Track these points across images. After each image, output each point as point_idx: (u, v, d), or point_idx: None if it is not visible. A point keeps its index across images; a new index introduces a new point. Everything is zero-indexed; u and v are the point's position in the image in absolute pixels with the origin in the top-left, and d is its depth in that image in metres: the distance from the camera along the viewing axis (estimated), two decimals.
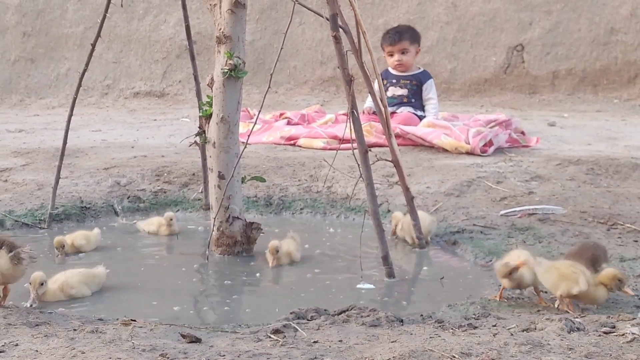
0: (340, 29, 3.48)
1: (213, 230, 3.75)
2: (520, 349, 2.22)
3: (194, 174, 4.85)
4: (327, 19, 3.40)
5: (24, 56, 9.03)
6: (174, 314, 2.98)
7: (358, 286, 3.34)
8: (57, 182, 4.24)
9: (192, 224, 4.42)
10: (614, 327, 2.44)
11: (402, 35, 6.19)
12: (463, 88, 8.47)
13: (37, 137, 6.40)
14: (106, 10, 4.01)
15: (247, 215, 4.41)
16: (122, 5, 4.01)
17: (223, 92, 3.71)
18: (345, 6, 3.68)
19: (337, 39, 3.35)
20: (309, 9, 3.79)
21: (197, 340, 2.40)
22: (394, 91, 6.27)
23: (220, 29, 3.70)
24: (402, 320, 2.62)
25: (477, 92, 8.44)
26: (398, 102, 6.26)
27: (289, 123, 6.29)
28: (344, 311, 2.68)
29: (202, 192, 4.57)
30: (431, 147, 5.54)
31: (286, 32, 3.39)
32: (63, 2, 9.11)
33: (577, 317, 2.55)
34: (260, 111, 3.90)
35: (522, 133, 5.98)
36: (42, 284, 2.99)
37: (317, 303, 2.84)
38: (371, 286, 3.34)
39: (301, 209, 4.64)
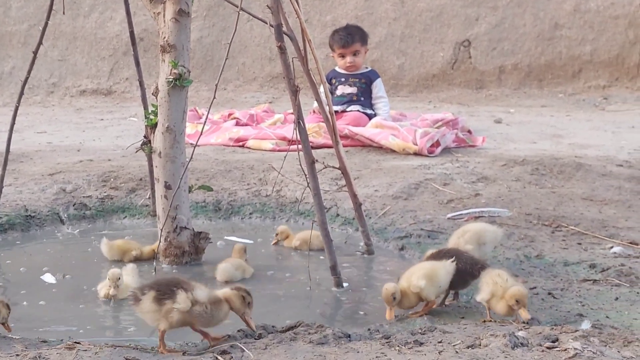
0: (286, 36, 3.46)
1: (160, 241, 3.72)
2: None
3: (141, 179, 4.80)
4: (272, 26, 3.38)
5: None
6: (122, 333, 2.95)
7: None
8: (0, 191, 4.16)
9: (140, 231, 4.37)
10: (557, 339, 2.48)
11: (354, 37, 6.23)
12: (411, 84, 8.51)
13: None
14: (48, 18, 3.94)
15: (195, 221, 4.38)
16: (64, 13, 3.94)
17: (168, 101, 3.68)
18: (290, 11, 3.67)
19: (282, 49, 3.34)
20: (254, 17, 3.77)
21: None
22: (343, 89, 6.29)
23: (165, 38, 3.67)
24: (349, 336, 2.63)
25: (425, 87, 8.49)
26: (348, 100, 6.28)
27: (237, 124, 6.26)
28: (292, 327, 2.68)
29: (149, 197, 4.53)
30: (379, 148, 5.57)
31: (230, 42, 3.36)
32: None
33: (521, 330, 2.59)
34: (207, 115, 3.85)
35: (469, 132, 6.03)
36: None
37: (268, 316, 2.81)
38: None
39: (250, 213, 4.62)
